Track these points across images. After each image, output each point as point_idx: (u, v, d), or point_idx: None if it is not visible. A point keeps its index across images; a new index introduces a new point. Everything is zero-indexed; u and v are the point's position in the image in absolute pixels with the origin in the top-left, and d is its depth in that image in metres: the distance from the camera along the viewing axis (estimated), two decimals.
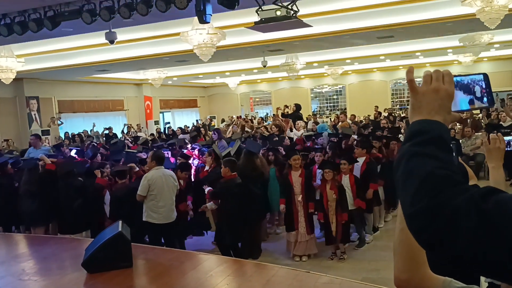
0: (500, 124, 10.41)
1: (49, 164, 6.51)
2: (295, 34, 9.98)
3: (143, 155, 7.57)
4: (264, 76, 22.77)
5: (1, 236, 5.46)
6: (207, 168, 6.72)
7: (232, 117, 18.35)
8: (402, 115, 16.22)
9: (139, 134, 15.62)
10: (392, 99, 22.98)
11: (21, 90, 15.26)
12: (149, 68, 15.29)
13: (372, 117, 16.06)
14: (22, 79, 14.53)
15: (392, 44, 13.30)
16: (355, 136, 8.08)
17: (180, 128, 15.34)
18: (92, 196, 6.11)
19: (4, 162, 7.14)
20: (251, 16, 7.18)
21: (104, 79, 17.46)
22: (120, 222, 3.59)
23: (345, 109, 22.44)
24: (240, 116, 18.26)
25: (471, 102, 1.01)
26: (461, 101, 1.01)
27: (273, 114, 18.43)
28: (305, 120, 14.96)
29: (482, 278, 2.24)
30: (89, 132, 15.44)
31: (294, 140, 9.59)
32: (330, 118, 19.35)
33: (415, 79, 1.01)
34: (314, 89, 24.70)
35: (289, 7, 6.42)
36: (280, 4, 6.35)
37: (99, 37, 8.45)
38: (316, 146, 7.94)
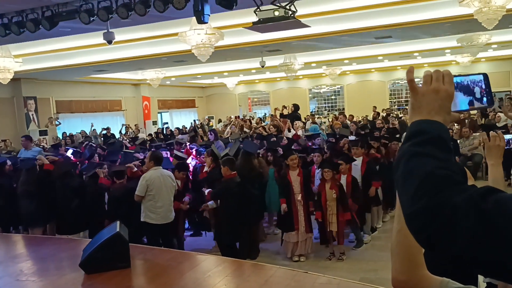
0: (494, 124, 10.44)
1: (47, 164, 6.50)
2: (293, 34, 9.98)
3: (140, 156, 7.56)
4: (262, 77, 22.78)
5: None
6: (206, 169, 6.71)
7: (230, 117, 18.35)
8: (399, 115, 16.25)
9: (139, 134, 15.60)
10: (390, 99, 23.01)
11: (18, 90, 15.22)
12: (147, 68, 15.27)
13: (370, 118, 16.07)
14: (19, 79, 14.50)
15: (390, 44, 13.33)
16: (352, 137, 8.08)
17: (178, 128, 15.34)
18: (93, 196, 6.10)
19: (3, 162, 7.12)
20: (249, 16, 7.18)
21: (102, 79, 17.44)
22: (118, 222, 3.58)
23: (343, 109, 22.45)
24: (238, 116, 18.27)
25: (470, 103, 1.02)
26: (460, 101, 1.02)
27: (271, 115, 18.43)
28: (303, 120, 14.97)
29: (481, 278, 2.24)
30: (88, 133, 15.40)
31: (291, 136, 9.60)
32: (328, 119, 19.38)
33: (415, 79, 1.01)
34: (312, 90, 24.72)
35: (287, 7, 6.42)
36: (278, 4, 6.35)
37: (97, 37, 8.44)
38: (314, 147, 7.94)
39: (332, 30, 10.31)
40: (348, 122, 13.22)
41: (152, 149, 7.41)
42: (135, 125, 17.88)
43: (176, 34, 8.99)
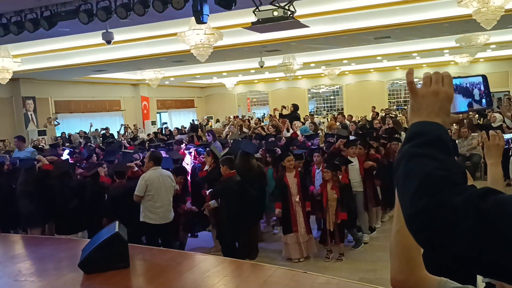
0: (490, 124, 10.46)
1: (46, 165, 6.49)
2: (292, 34, 9.99)
3: (137, 156, 7.55)
4: (261, 77, 22.78)
5: None
6: (206, 167, 6.69)
7: (229, 117, 18.35)
8: (397, 115, 16.24)
9: (140, 134, 15.58)
10: (389, 99, 23.04)
11: (17, 90, 15.21)
12: (146, 68, 15.27)
13: (369, 118, 16.07)
14: (18, 79, 14.48)
15: (389, 44, 13.34)
16: (352, 137, 8.07)
17: (177, 128, 15.32)
18: (93, 196, 6.09)
19: (1, 162, 7.11)
20: (248, 16, 7.19)
21: (101, 79, 17.43)
22: (117, 222, 3.58)
23: (342, 109, 22.47)
24: (237, 116, 18.25)
25: (469, 105, 1.03)
26: (459, 103, 1.02)
27: (270, 115, 18.42)
28: (303, 120, 14.97)
29: (480, 278, 2.25)
30: (87, 133, 15.38)
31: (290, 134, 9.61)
32: (327, 119, 19.38)
33: (414, 81, 1.02)
34: (311, 90, 24.74)
35: (286, 7, 6.43)
36: (277, 4, 6.36)
37: (96, 37, 8.44)
38: (313, 147, 7.94)
39: (331, 31, 10.32)
40: (347, 122, 13.22)
41: (151, 149, 7.39)
42: (134, 125, 17.87)
43: (175, 34, 8.99)
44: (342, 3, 8.69)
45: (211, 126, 19.16)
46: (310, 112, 22.80)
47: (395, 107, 22.34)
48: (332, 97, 24.58)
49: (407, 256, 1.12)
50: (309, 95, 24.76)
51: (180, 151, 7.72)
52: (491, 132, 2.11)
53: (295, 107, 13.92)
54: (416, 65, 19.75)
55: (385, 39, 11.79)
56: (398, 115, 15.85)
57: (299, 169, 6.14)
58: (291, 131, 11.35)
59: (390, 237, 1.16)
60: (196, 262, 3.72)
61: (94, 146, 10.53)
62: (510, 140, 8.56)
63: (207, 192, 6.12)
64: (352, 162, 6.38)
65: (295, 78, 20.75)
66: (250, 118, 18.38)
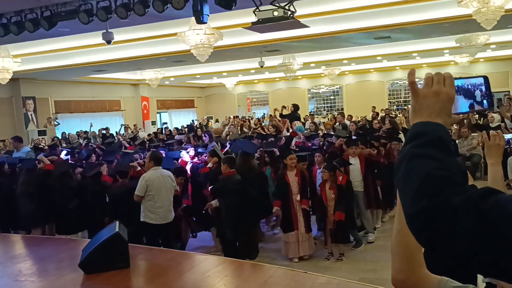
0: (487, 124, 10.47)
1: (47, 165, 6.49)
2: (292, 34, 9.99)
3: (138, 156, 7.55)
4: (261, 77, 22.78)
5: None
6: (210, 165, 6.68)
7: (229, 117, 18.35)
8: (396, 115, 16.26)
9: (140, 134, 15.58)
10: (389, 99, 23.04)
11: (17, 90, 15.21)
12: (146, 68, 15.27)
13: (369, 118, 16.06)
14: (18, 79, 14.48)
15: (389, 44, 13.34)
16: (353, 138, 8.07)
17: (176, 128, 15.32)
18: (93, 196, 6.09)
19: (1, 162, 7.11)
20: (248, 16, 7.19)
21: (101, 79, 17.43)
22: (117, 222, 3.58)
23: (342, 109, 22.46)
24: (237, 116, 18.25)
25: (471, 106, 1.03)
26: (461, 104, 1.03)
27: (270, 115, 18.41)
28: (303, 120, 14.96)
29: (480, 278, 2.25)
30: (87, 133, 15.38)
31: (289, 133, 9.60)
32: (327, 119, 19.38)
33: (416, 81, 1.02)
34: (311, 90, 24.74)
35: (286, 7, 6.43)
36: (277, 4, 6.36)
37: (96, 37, 8.44)
38: (314, 147, 7.94)
39: (331, 31, 10.32)
40: (347, 122, 13.22)
41: (152, 149, 7.40)
42: (134, 125, 17.87)
43: (175, 34, 8.99)
44: (342, 3, 8.70)
45: (211, 126, 19.16)
46: (310, 112, 22.81)
47: (395, 107, 22.34)
48: (332, 97, 24.58)
49: (408, 255, 1.13)
50: (309, 95, 24.77)
51: (181, 161, 7.68)
52: (491, 132, 2.11)
53: (295, 107, 13.91)
54: (416, 65, 19.76)
55: (385, 39, 11.79)
56: (398, 115, 15.85)
57: (303, 171, 6.14)
58: (291, 131, 11.35)
59: (391, 236, 1.16)
60: (196, 262, 3.72)
61: (94, 146, 10.52)
62: (510, 140, 8.57)
63: (209, 189, 6.12)
64: (351, 163, 6.39)
65: (295, 78, 20.75)
66: (250, 118, 18.39)
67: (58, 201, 6.27)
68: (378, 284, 3.23)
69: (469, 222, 0.77)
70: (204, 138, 8.95)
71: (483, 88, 1.02)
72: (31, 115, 15.63)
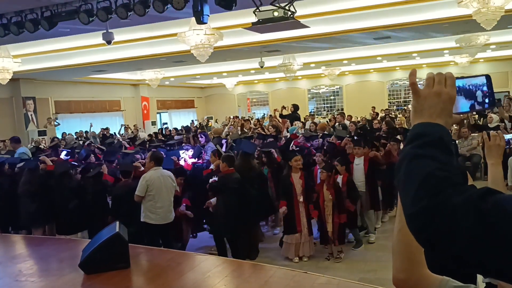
0: (486, 125, 10.48)
1: (48, 166, 6.50)
2: (292, 34, 9.99)
3: (138, 156, 7.56)
4: (261, 77, 22.78)
5: None
6: (212, 167, 6.70)
7: (229, 117, 18.35)
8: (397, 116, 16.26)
9: (140, 134, 15.57)
10: (389, 99, 23.04)
11: (17, 90, 15.20)
12: (146, 69, 15.26)
13: (368, 117, 16.07)
14: (18, 80, 14.48)
15: (389, 45, 13.34)
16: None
17: (176, 129, 15.30)
18: (96, 195, 6.09)
19: (1, 162, 7.12)
20: (248, 16, 7.19)
21: (101, 80, 17.43)
22: (117, 222, 3.58)
23: (342, 109, 22.47)
24: (237, 116, 18.25)
25: (472, 106, 1.03)
26: (462, 105, 1.02)
27: (270, 115, 18.40)
28: (303, 120, 14.96)
29: (480, 278, 2.25)
30: (87, 134, 15.37)
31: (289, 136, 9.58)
32: (328, 120, 19.37)
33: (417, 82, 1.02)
34: (311, 90, 24.73)
35: (287, 8, 6.43)
36: (277, 5, 6.36)
37: (96, 38, 8.44)
38: (313, 147, 7.95)
39: (331, 31, 10.32)
40: (347, 122, 13.22)
41: (152, 150, 7.40)
42: (134, 125, 17.87)
43: (175, 34, 8.99)
44: (342, 4, 8.70)
45: (211, 126, 19.16)
46: (310, 112, 22.81)
47: (395, 107, 22.35)
48: (332, 98, 24.58)
49: (409, 255, 1.13)
50: (309, 96, 24.76)
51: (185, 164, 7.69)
52: (491, 132, 2.12)
53: (295, 107, 13.91)
54: (416, 65, 19.75)
55: (385, 40, 11.79)
56: (398, 116, 15.85)
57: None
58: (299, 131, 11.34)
59: (392, 236, 1.17)
60: (196, 262, 3.72)
61: (95, 146, 10.53)
62: (510, 141, 8.57)
63: (210, 181, 6.13)
64: (351, 162, 6.39)
65: (295, 78, 20.76)
66: (250, 119, 18.39)
67: (58, 201, 6.28)
68: (378, 284, 3.23)
69: (469, 222, 0.77)
70: (200, 139, 8.93)
71: (485, 88, 1.02)
72: (31, 115, 15.63)
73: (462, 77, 1.04)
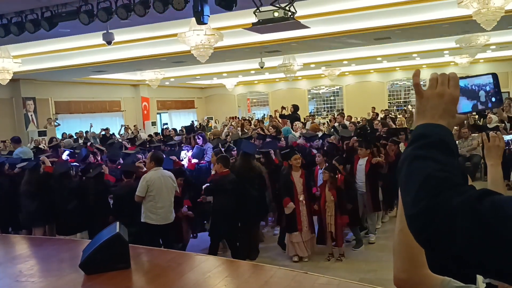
0: (485, 125, 10.48)
1: (47, 167, 6.50)
2: (292, 35, 9.99)
3: (140, 156, 7.56)
4: (261, 77, 22.79)
5: None
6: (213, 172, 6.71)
7: (229, 118, 18.37)
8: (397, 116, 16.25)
9: (141, 134, 15.56)
10: (389, 100, 23.04)
11: (17, 91, 15.21)
12: (146, 69, 15.27)
13: (368, 117, 16.07)
14: (18, 80, 14.49)
15: (389, 45, 13.35)
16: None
17: (174, 129, 15.27)
18: (97, 195, 6.09)
19: (1, 163, 7.12)
20: (248, 17, 7.19)
21: (101, 80, 17.44)
22: (118, 223, 3.58)
23: (342, 110, 22.47)
24: (235, 117, 18.25)
25: (474, 107, 1.02)
26: (464, 105, 1.01)
27: (270, 115, 18.40)
28: (303, 121, 14.97)
29: (480, 279, 2.25)
30: (87, 134, 15.35)
31: (291, 143, 9.57)
32: (327, 120, 19.38)
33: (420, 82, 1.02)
34: (311, 90, 24.74)
35: (287, 8, 6.43)
36: (277, 5, 6.36)
37: (96, 38, 8.44)
38: (313, 148, 7.95)
39: (331, 31, 10.33)
40: (347, 122, 13.22)
41: (153, 150, 7.41)
42: (134, 126, 17.88)
43: (175, 35, 8.99)
44: (342, 4, 8.70)
45: (211, 126, 19.15)
46: (310, 112, 22.82)
47: (395, 107, 22.35)
48: (332, 98, 24.59)
49: (410, 255, 1.13)
50: (309, 96, 24.77)
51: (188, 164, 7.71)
52: (491, 133, 2.12)
53: (295, 107, 13.92)
54: (416, 66, 19.77)
55: (385, 40, 11.79)
56: (398, 116, 15.85)
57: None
58: (292, 131, 11.35)
59: (394, 236, 1.17)
60: (197, 263, 3.72)
61: (94, 146, 10.52)
62: (510, 141, 8.56)
63: (203, 186, 6.16)
64: (348, 163, 6.42)
65: (295, 78, 20.76)
66: (250, 119, 18.40)
67: (57, 201, 6.29)
68: (379, 285, 3.23)
69: (467, 223, 0.77)
70: (198, 140, 8.90)
71: (488, 87, 1.01)
72: (31, 115, 15.63)
73: (467, 76, 1.03)
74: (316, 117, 20.49)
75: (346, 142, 7.50)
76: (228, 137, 10.72)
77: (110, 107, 19.66)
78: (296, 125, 11.90)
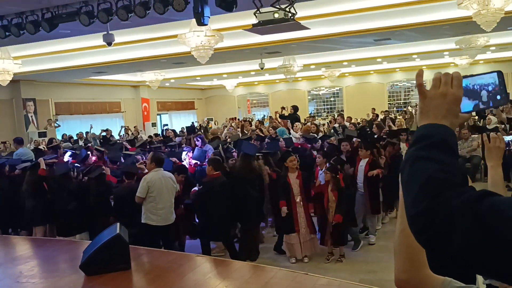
0: (485, 126, 10.48)
1: (41, 170, 6.50)
2: (292, 36, 10.00)
3: (139, 157, 7.57)
4: (262, 78, 22.80)
5: None
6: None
7: (228, 119, 18.37)
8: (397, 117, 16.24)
9: (142, 136, 15.55)
10: (389, 101, 23.05)
11: (18, 92, 15.22)
12: (147, 70, 15.27)
13: (367, 118, 16.07)
14: (19, 81, 14.50)
15: (389, 46, 13.36)
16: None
17: (173, 130, 15.27)
18: (98, 196, 6.09)
19: (1, 164, 7.13)
20: (249, 18, 7.20)
21: (101, 81, 17.45)
22: (118, 224, 3.58)
23: (342, 111, 22.48)
24: (235, 118, 18.25)
25: (475, 106, 1.01)
26: (465, 105, 1.01)
27: (270, 116, 18.40)
28: (303, 121, 14.97)
29: (481, 280, 2.25)
30: (87, 135, 15.35)
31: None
32: (328, 122, 19.38)
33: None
34: (311, 91, 24.75)
35: (287, 9, 6.44)
36: (278, 6, 6.37)
37: (97, 39, 8.44)
38: (313, 149, 7.96)
39: (331, 32, 10.34)
40: (347, 123, 13.23)
41: (153, 151, 7.41)
42: (134, 127, 17.88)
43: (175, 36, 8.99)
44: (342, 5, 8.71)
45: (211, 127, 19.15)
46: (310, 113, 22.82)
47: (395, 109, 22.35)
48: (332, 99, 24.60)
49: (411, 256, 1.13)
50: (309, 97, 24.78)
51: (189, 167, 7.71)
52: (491, 134, 2.12)
53: (295, 108, 13.92)
54: (416, 67, 19.77)
55: (385, 41, 11.80)
56: (398, 117, 15.85)
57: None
58: (292, 132, 11.35)
59: (394, 236, 1.17)
60: (197, 264, 3.72)
61: (94, 147, 10.53)
62: (510, 142, 8.57)
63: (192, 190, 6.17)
64: (346, 163, 6.43)
65: (295, 80, 20.76)
66: (250, 120, 18.40)
67: (57, 202, 6.29)
68: (379, 286, 3.24)
69: (467, 223, 0.78)
70: (196, 142, 8.89)
71: (490, 87, 1.00)
72: (31, 116, 15.64)
73: (472, 75, 1.02)
74: (316, 118, 20.48)
75: (350, 142, 7.50)
76: (228, 138, 10.72)
77: (110, 108, 19.67)
78: (296, 126, 11.90)
